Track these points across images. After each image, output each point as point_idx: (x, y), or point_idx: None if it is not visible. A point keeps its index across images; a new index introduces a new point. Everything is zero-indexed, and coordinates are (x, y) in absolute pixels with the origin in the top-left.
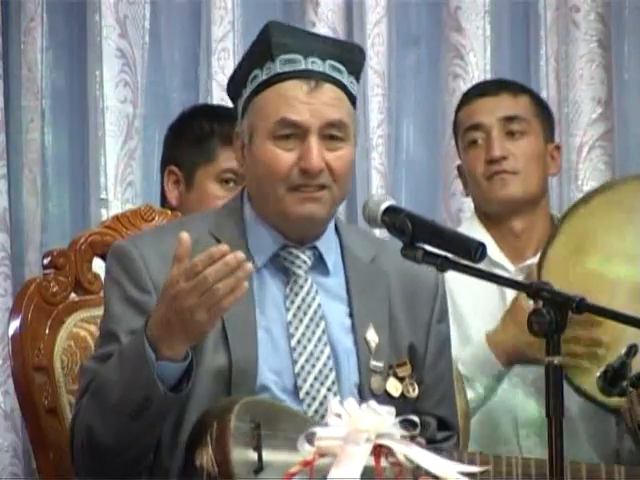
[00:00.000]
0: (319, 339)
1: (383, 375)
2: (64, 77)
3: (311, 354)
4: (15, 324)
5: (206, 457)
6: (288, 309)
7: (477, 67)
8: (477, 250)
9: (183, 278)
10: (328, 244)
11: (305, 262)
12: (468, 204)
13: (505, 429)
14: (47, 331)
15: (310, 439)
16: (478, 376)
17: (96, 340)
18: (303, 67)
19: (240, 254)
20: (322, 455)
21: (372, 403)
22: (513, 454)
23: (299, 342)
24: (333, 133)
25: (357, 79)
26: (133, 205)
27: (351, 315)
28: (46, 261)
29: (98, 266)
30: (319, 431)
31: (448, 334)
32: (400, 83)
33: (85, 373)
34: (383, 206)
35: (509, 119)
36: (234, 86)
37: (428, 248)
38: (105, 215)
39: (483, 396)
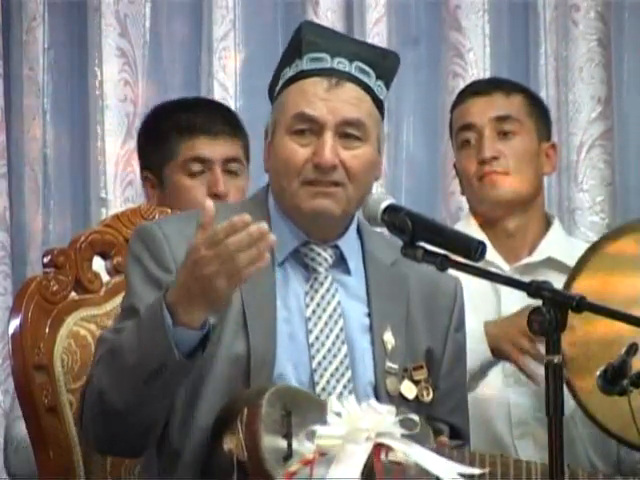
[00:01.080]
0: (337, 337)
1: (398, 377)
2: (65, 76)
3: (328, 351)
4: (15, 323)
5: (236, 442)
6: (308, 305)
7: (476, 66)
8: (477, 249)
9: (205, 245)
10: (350, 244)
11: (326, 260)
12: None
13: (499, 429)
14: (47, 330)
15: (310, 437)
16: None
17: (116, 316)
18: (328, 66)
19: (264, 225)
20: (322, 454)
21: (372, 402)
22: (508, 454)
23: (317, 338)
24: (350, 131)
25: (387, 85)
26: (133, 204)
27: (369, 315)
28: (46, 260)
29: (98, 265)
30: (319, 429)
31: (464, 344)
32: (400, 82)
33: (102, 343)
34: (383, 205)
35: (501, 119)
36: (270, 87)
37: (428, 247)
38: (105, 214)
39: None
